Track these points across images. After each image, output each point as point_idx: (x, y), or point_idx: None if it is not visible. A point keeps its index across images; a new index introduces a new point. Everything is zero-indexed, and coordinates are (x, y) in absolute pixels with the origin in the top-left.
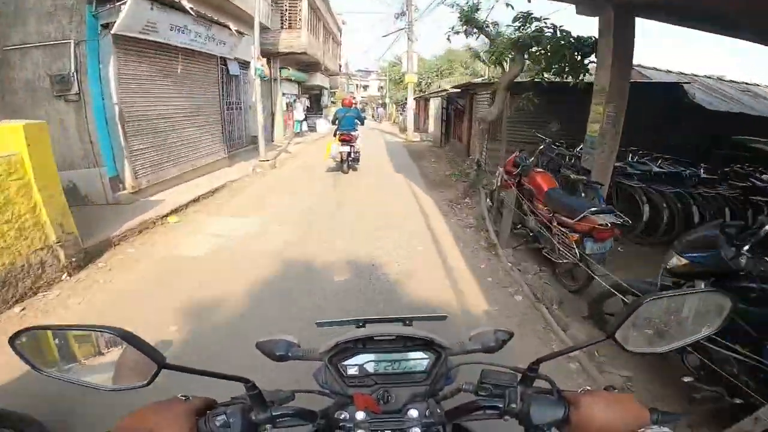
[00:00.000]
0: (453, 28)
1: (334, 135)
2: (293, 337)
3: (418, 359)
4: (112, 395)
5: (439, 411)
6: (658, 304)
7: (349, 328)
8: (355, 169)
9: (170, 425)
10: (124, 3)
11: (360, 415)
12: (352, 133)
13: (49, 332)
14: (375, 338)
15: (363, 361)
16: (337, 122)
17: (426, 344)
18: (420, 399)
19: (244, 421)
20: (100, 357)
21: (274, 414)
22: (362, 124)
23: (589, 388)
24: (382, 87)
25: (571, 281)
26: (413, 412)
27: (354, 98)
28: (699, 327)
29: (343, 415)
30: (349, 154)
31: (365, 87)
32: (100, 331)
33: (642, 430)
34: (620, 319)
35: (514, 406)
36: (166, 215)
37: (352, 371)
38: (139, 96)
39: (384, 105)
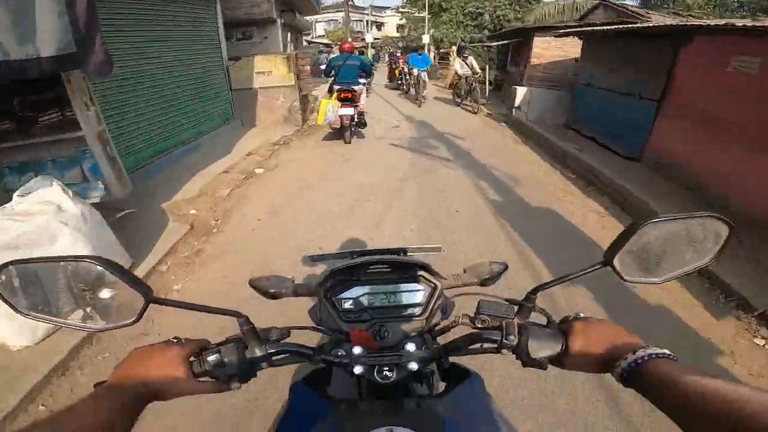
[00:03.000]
0: None
1: (329, 91)
2: (287, 274)
3: (413, 291)
4: None
5: (435, 346)
6: (657, 227)
7: (343, 260)
8: (361, 136)
9: (163, 367)
10: None
11: (357, 350)
12: (354, 87)
13: (28, 266)
14: (369, 269)
15: (358, 294)
16: (333, 74)
17: (420, 276)
18: (416, 334)
19: (239, 359)
20: (83, 291)
21: (269, 351)
22: (369, 76)
23: (582, 315)
24: (402, 25)
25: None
26: (410, 346)
27: (364, 40)
28: (697, 255)
29: (340, 352)
30: (351, 117)
31: (379, 25)
32: (84, 261)
33: (640, 350)
34: (618, 244)
35: (512, 338)
36: None
37: (347, 305)
38: None
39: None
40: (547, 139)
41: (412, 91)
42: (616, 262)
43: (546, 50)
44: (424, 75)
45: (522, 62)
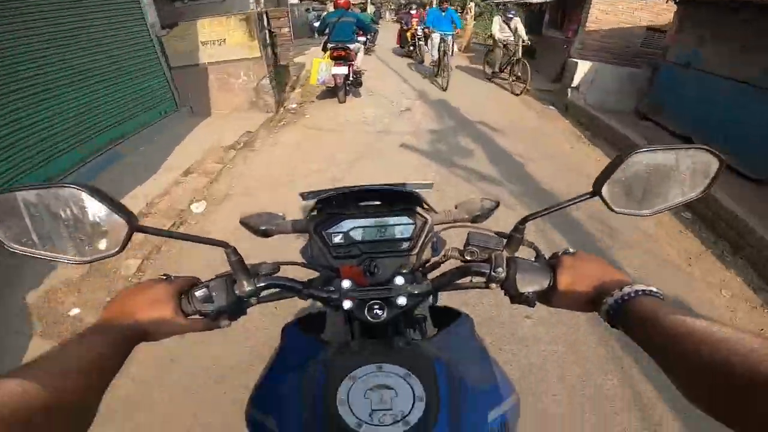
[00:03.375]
0: None
1: (323, 49)
2: (278, 211)
3: (403, 224)
4: None
5: (426, 281)
6: (646, 157)
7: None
8: (357, 95)
9: (152, 304)
10: None
11: (347, 284)
12: (349, 45)
13: (11, 195)
14: (360, 202)
15: (348, 228)
16: (327, 31)
17: (411, 209)
18: (407, 269)
19: (227, 294)
20: (67, 219)
21: (258, 286)
22: (367, 33)
23: (571, 250)
24: None
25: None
26: (399, 280)
27: None
28: (686, 188)
29: (329, 287)
30: (346, 77)
31: None
32: (67, 187)
33: (626, 287)
34: (607, 173)
35: (500, 270)
36: None
37: (338, 239)
38: None
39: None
40: (631, 140)
41: (426, 61)
42: (604, 192)
43: (608, 14)
44: (450, 40)
45: (570, 27)
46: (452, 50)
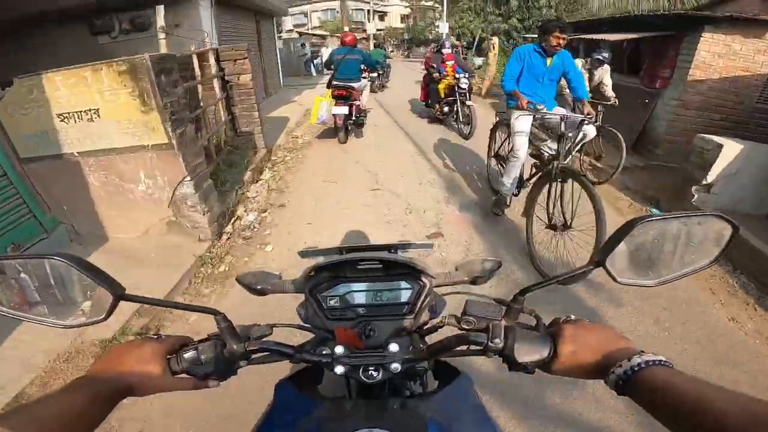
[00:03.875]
0: None
1: (328, 86)
2: (275, 270)
3: (401, 289)
4: None
5: (421, 346)
6: (653, 226)
7: (331, 256)
8: (359, 135)
9: (141, 364)
10: None
11: (340, 350)
12: (353, 85)
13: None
14: (357, 266)
15: (344, 292)
16: (332, 68)
17: (409, 273)
18: (403, 333)
19: (217, 357)
20: (52, 288)
21: (248, 349)
22: (373, 70)
23: (573, 317)
24: (408, 16)
25: None
26: (394, 347)
27: (365, 31)
28: (696, 256)
29: (323, 351)
30: (348, 116)
31: (381, 15)
32: (53, 259)
33: (636, 357)
34: (611, 243)
35: (497, 340)
36: None
37: (333, 303)
38: None
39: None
40: None
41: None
42: (609, 262)
43: (722, 57)
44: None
45: (655, 73)
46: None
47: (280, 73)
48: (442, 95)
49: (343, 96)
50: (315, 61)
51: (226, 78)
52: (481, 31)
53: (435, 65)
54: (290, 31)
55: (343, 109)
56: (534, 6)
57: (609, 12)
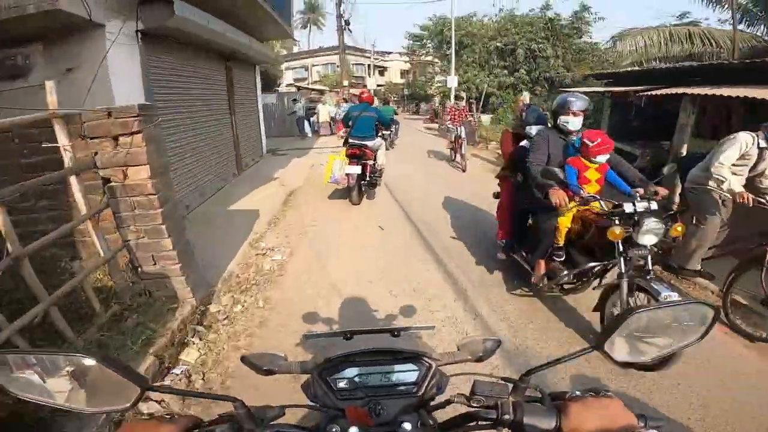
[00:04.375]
0: None
1: (344, 144)
2: (280, 351)
3: (408, 371)
4: None
5: (431, 422)
6: (646, 315)
7: (336, 339)
8: (371, 197)
9: None
10: None
11: (353, 430)
12: (368, 143)
13: (22, 356)
14: (365, 352)
15: (352, 375)
16: (350, 125)
17: (415, 357)
18: (412, 410)
19: None
20: (78, 380)
21: None
22: (387, 128)
23: (578, 393)
24: (407, 71)
25: None
26: (406, 425)
27: (366, 86)
28: (683, 336)
29: (335, 429)
30: (361, 176)
31: (381, 70)
32: (78, 356)
33: None
34: (609, 330)
35: (507, 417)
36: None
37: (342, 384)
38: None
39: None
40: None
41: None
42: (607, 345)
43: None
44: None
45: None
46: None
47: (263, 137)
48: (563, 240)
49: (357, 155)
50: (311, 119)
51: (101, 174)
52: (486, 85)
53: (536, 160)
54: (290, 85)
55: (356, 169)
56: (541, 56)
57: (632, 59)
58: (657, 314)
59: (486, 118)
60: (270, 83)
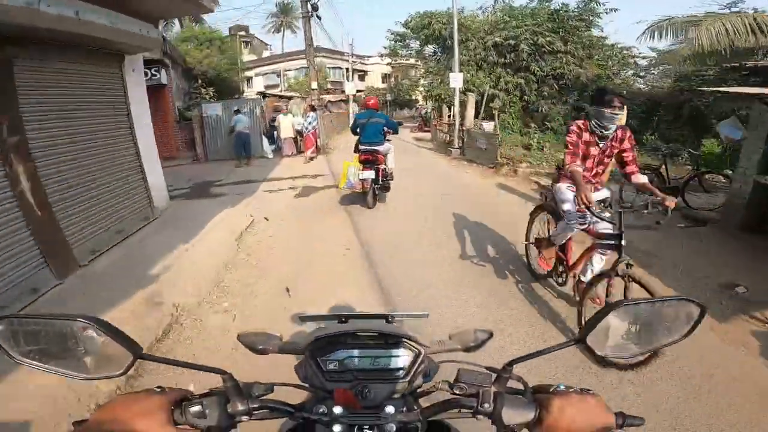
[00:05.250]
0: None
1: (355, 151)
2: (275, 331)
3: (398, 356)
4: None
5: (415, 408)
6: (630, 309)
7: (331, 322)
8: (383, 200)
9: (144, 416)
10: None
11: (338, 410)
12: (378, 148)
13: (24, 320)
14: (356, 334)
15: (343, 357)
16: (358, 132)
17: (406, 342)
18: (398, 395)
19: (220, 412)
20: (75, 345)
21: (251, 406)
22: (396, 132)
23: (563, 387)
24: (389, 75)
25: None
26: (390, 408)
27: (344, 92)
28: (668, 333)
29: (321, 409)
30: (375, 180)
31: (361, 75)
32: (76, 320)
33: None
34: (592, 323)
35: (486, 405)
36: None
37: (332, 366)
38: None
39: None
40: None
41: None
42: (589, 339)
43: None
44: None
45: None
46: None
47: (152, 175)
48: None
49: (370, 160)
50: (274, 134)
51: None
52: (488, 86)
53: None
54: (260, 93)
55: (370, 174)
56: (548, 51)
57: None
58: (642, 309)
59: (488, 126)
60: (231, 91)
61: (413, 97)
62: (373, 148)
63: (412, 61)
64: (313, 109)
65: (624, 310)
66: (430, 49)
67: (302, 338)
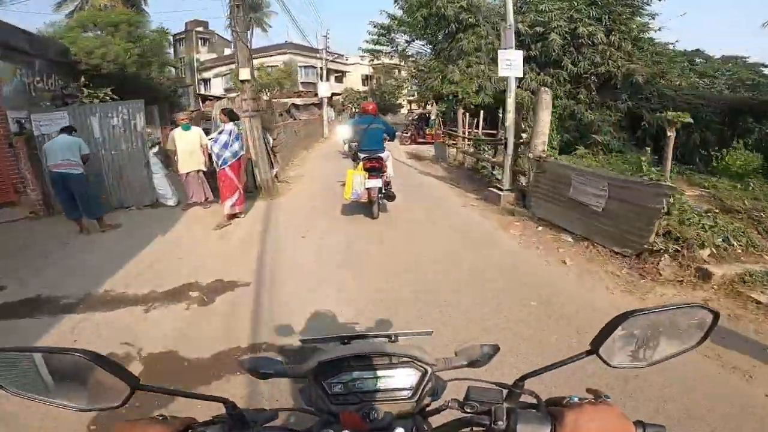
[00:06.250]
0: None
1: (353, 159)
2: (277, 355)
3: (404, 376)
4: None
5: (426, 428)
6: (643, 318)
7: (334, 344)
8: (385, 210)
9: None
10: None
11: None
12: (380, 154)
13: (17, 354)
14: (359, 356)
15: (348, 379)
16: (357, 139)
17: (411, 361)
18: (407, 416)
19: None
20: (71, 378)
21: None
22: (392, 139)
23: (576, 399)
24: (370, 76)
25: None
26: (399, 430)
27: (316, 95)
28: (682, 340)
29: None
30: (380, 189)
31: (339, 76)
32: (71, 354)
33: None
34: (604, 333)
35: (500, 423)
36: None
37: (337, 389)
38: None
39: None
40: None
41: None
42: (602, 350)
43: None
44: None
45: None
46: None
47: None
48: None
49: (376, 168)
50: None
51: None
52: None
53: None
54: (212, 97)
55: (377, 182)
56: (588, 44)
57: None
58: (654, 318)
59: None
60: (151, 92)
61: (398, 101)
62: (377, 155)
63: (395, 60)
64: (232, 117)
65: (633, 321)
66: (417, 45)
67: (305, 361)
